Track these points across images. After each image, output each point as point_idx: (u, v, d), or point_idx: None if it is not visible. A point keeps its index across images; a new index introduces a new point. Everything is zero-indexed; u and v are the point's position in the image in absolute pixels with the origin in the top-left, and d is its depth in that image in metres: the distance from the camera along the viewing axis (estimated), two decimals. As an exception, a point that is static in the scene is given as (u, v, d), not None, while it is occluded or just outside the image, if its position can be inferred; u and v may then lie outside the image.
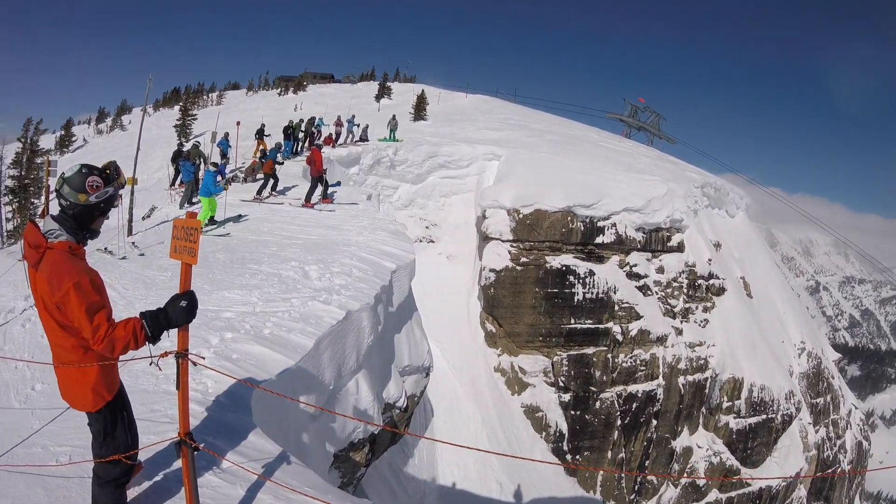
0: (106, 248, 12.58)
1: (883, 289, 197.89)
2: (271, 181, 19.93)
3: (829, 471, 36.40)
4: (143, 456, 4.19)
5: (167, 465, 4.24)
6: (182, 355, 3.23)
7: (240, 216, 16.31)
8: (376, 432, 9.97)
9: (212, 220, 15.35)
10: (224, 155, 24.45)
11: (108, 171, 3.20)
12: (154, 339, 3.03)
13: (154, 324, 3.02)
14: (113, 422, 3.37)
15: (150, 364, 3.39)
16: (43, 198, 17.03)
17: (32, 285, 3.17)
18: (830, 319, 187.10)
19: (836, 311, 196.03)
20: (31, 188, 35.15)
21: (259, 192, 19.08)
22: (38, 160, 36.89)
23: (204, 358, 3.59)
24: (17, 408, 5.41)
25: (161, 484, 4.11)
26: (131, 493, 3.88)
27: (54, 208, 3.30)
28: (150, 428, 4.58)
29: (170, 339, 3.44)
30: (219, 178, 17.63)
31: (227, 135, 25.97)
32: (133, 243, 13.52)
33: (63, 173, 3.12)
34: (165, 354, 3.29)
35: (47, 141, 52.60)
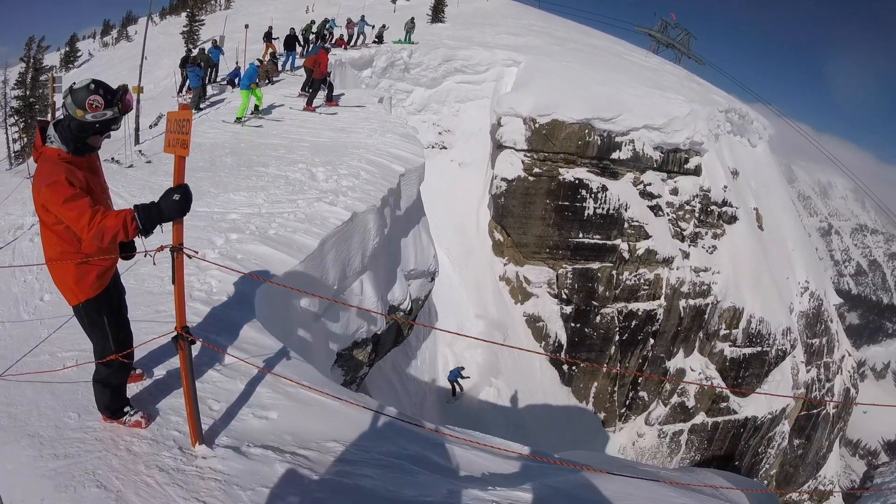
0: (113, 158, 12.42)
1: (895, 243, 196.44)
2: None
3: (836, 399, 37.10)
4: (144, 354, 4.33)
5: (171, 364, 4.35)
6: (177, 249, 3.21)
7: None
8: (379, 332, 9.95)
9: (256, 109, 16.52)
10: (215, 65, 23.29)
11: (114, 90, 3.17)
12: (146, 231, 3.01)
13: (145, 216, 2.99)
14: (90, 320, 3.46)
15: (146, 256, 3.45)
16: (50, 115, 16.69)
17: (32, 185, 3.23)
18: (837, 264, 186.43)
19: (844, 256, 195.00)
20: (37, 106, 34.40)
21: (309, 101, 17.82)
22: (43, 77, 35.85)
23: (197, 252, 3.42)
24: (27, 319, 5.44)
25: (163, 381, 4.21)
26: (133, 388, 4.01)
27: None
28: (154, 328, 4.61)
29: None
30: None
31: (215, 42, 24.64)
32: (140, 151, 13.37)
33: (74, 83, 3.11)
34: (161, 248, 3.25)
35: (52, 59, 51.28)
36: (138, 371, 4.20)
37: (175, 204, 3.00)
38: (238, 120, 15.92)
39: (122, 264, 3.84)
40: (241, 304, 5.55)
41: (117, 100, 3.14)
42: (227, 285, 5.85)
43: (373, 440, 4.02)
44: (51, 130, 3.13)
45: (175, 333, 3.34)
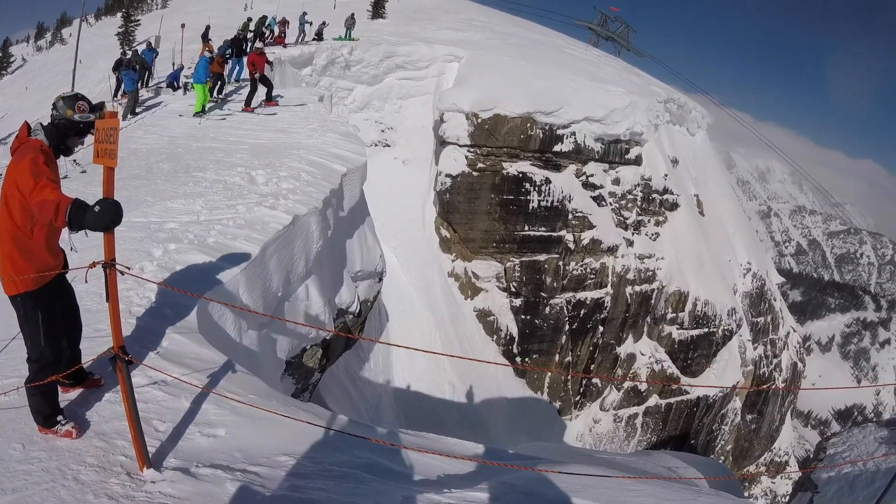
0: (74, 161, 11.99)
1: (832, 222, 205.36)
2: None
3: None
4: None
5: (116, 382, 4.11)
6: (109, 265, 3.16)
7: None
8: (328, 337, 9.86)
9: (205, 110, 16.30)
10: (148, 67, 22.53)
11: (95, 104, 3.68)
12: (70, 226, 3.10)
13: (74, 213, 3.09)
14: (25, 313, 3.59)
15: (73, 279, 3.62)
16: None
17: (5, 171, 3.46)
18: (778, 245, 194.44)
19: (784, 237, 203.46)
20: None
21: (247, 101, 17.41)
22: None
23: (130, 268, 3.50)
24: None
25: (108, 400, 4.10)
26: (80, 406, 4.01)
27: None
28: (94, 347, 4.40)
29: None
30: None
31: (149, 44, 23.88)
32: (74, 160, 12.74)
33: (64, 93, 3.69)
34: (93, 265, 3.24)
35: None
36: (97, 376, 4.26)
37: (96, 216, 3.04)
38: (198, 114, 15.93)
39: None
40: (182, 317, 5.39)
41: (98, 108, 3.63)
42: (168, 298, 5.66)
43: (324, 451, 3.96)
44: (37, 126, 3.57)
45: (112, 354, 3.24)
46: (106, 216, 3.05)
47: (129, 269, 3.43)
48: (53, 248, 3.65)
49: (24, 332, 3.67)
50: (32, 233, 3.47)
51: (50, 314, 3.65)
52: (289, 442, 3.99)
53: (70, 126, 3.56)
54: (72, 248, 3.66)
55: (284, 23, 30.11)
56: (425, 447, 4.39)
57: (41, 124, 3.58)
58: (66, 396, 4.02)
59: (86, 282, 3.72)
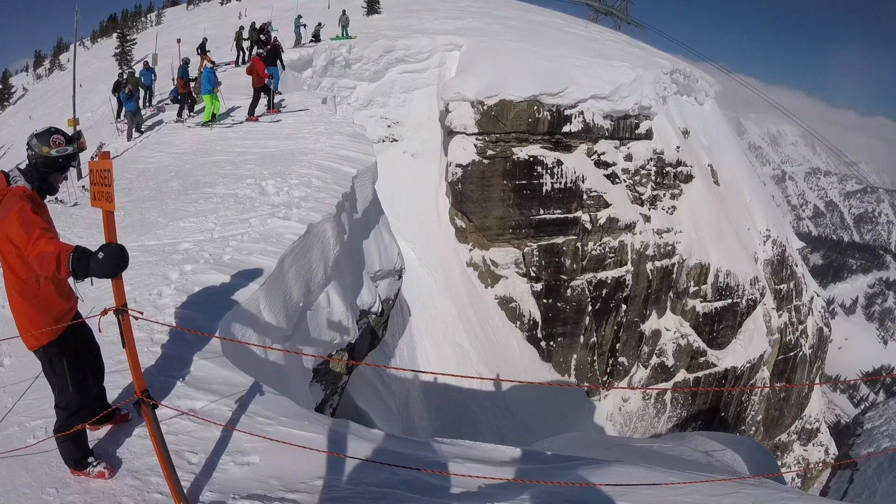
0: (57, 198, 11.93)
1: (848, 182, 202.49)
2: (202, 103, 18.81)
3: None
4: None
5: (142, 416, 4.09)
6: (121, 311, 3.12)
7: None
8: (353, 341, 9.83)
9: (214, 117, 16.62)
10: (148, 88, 22.48)
11: (71, 135, 3.59)
12: (76, 275, 3.02)
13: (78, 262, 2.99)
14: (50, 363, 3.54)
15: (91, 309, 3.56)
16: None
17: None
18: (795, 209, 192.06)
19: (800, 200, 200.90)
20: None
21: (251, 110, 17.39)
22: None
23: (142, 313, 3.49)
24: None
25: (137, 435, 4.05)
26: (111, 442, 3.98)
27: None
28: (118, 380, 4.42)
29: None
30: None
31: (146, 64, 23.63)
32: (83, 187, 12.88)
33: (35, 131, 3.53)
34: (105, 312, 3.21)
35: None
36: (124, 412, 4.19)
37: (101, 264, 2.96)
38: (206, 124, 16.19)
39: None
40: (205, 340, 5.27)
41: (74, 138, 3.57)
42: (188, 321, 5.59)
43: (362, 471, 3.87)
44: (14, 172, 3.44)
45: (135, 398, 3.18)
46: (111, 262, 2.97)
47: (141, 313, 3.40)
48: (64, 291, 3.58)
49: (51, 381, 3.62)
50: (39, 283, 3.40)
51: (74, 360, 3.59)
52: (326, 464, 3.89)
53: (49, 163, 3.45)
54: (79, 299, 3.64)
55: (262, 30, 29.45)
56: (463, 456, 4.28)
57: (18, 169, 3.47)
58: (95, 435, 3.97)
59: (100, 331, 3.63)
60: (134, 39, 43.23)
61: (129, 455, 3.85)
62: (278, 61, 22.30)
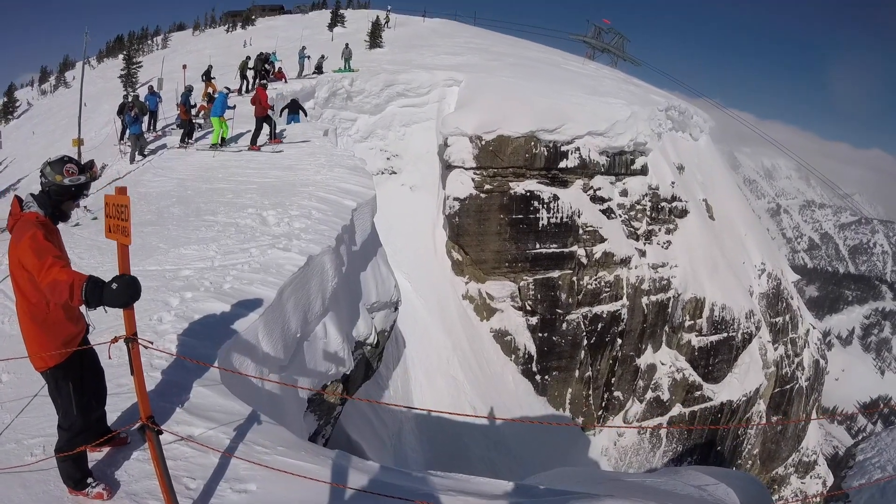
0: None
1: (843, 214, 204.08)
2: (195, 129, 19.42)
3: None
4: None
5: (140, 440, 4.20)
6: (131, 340, 3.22)
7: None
8: (349, 372, 9.86)
9: (223, 141, 17.31)
10: (153, 112, 22.68)
11: (84, 164, 3.67)
12: (88, 304, 3.10)
13: (91, 292, 3.08)
14: (56, 385, 3.62)
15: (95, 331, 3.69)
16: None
17: (8, 251, 3.48)
18: (790, 241, 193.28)
19: (795, 233, 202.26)
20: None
21: (253, 140, 17.64)
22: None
23: (152, 343, 3.67)
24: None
25: (136, 458, 4.13)
26: (109, 465, 4.04)
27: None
28: (118, 403, 4.53)
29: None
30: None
31: (151, 88, 23.77)
32: (85, 207, 12.85)
33: (49, 158, 3.60)
34: (115, 340, 3.32)
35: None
36: (123, 435, 4.24)
37: (114, 294, 3.05)
38: (214, 146, 16.89)
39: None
40: (204, 368, 5.35)
41: (87, 168, 3.64)
42: (188, 348, 5.68)
43: (357, 501, 3.92)
44: (28, 198, 3.55)
45: (140, 424, 3.25)
46: (125, 294, 3.07)
47: (151, 343, 3.52)
48: (73, 316, 3.66)
49: (56, 402, 3.68)
50: (49, 307, 3.47)
51: (79, 383, 3.67)
52: (321, 493, 3.95)
53: (62, 192, 3.53)
54: (90, 326, 3.76)
55: (266, 59, 29.94)
56: (456, 489, 4.35)
57: (32, 195, 3.57)
58: (93, 456, 4.03)
59: (109, 357, 3.74)
60: (140, 62, 43.62)
61: (127, 478, 3.91)
62: (300, 111, 23.10)
